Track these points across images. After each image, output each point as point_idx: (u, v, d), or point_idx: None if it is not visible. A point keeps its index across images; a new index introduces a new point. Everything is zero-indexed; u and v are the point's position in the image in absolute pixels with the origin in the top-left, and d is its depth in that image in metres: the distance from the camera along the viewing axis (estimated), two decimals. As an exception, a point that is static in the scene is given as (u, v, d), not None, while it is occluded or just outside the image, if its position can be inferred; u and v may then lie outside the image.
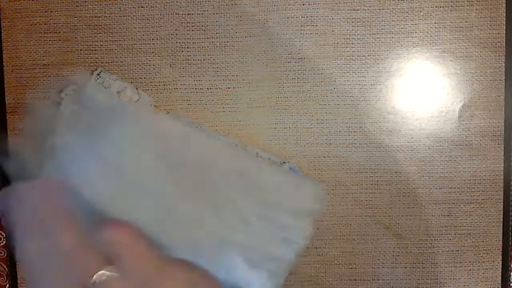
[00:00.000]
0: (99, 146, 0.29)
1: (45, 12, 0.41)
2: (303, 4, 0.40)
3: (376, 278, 0.41)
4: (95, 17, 0.41)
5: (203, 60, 0.41)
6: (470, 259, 0.41)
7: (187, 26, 0.41)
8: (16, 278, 0.42)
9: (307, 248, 0.41)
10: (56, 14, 0.41)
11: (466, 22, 0.40)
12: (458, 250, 0.41)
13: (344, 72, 0.41)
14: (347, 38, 0.41)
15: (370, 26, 0.40)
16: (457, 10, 0.40)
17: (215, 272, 0.29)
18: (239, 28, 0.41)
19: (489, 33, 0.40)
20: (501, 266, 0.41)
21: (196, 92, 0.41)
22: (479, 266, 0.41)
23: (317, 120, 0.41)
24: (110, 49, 0.41)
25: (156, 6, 0.41)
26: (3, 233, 0.43)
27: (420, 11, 0.40)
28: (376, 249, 0.41)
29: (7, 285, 0.43)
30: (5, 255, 0.43)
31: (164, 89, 0.41)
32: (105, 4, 0.41)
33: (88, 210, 0.28)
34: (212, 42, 0.41)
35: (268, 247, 0.30)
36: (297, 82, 0.41)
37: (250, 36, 0.41)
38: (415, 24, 0.40)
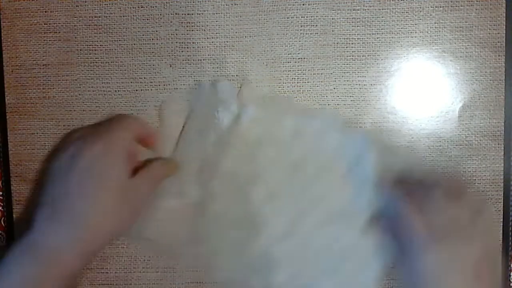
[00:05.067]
0: None
1: (45, 12, 0.41)
2: (303, 4, 0.40)
3: (376, 278, 0.41)
4: (95, 17, 0.41)
5: (203, 60, 0.41)
6: (470, 259, 0.41)
7: (187, 26, 0.41)
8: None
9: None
10: (56, 14, 0.41)
11: (466, 22, 0.40)
12: (458, 250, 0.41)
13: (344, 72, 0.41)
14: (347, 38, 0.40)
15: (370, 26, 0.40)
16: (457, 10, 0.40)
17: None
18: (239, 28, 0.41)
19: (489, 33, 0.40)
20: (501, 266, 0.41)
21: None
22: (479, 266, 0.41)
23: (317, 120, 0.41)
24: (110, 49, 0.41)
25: (155, 6, 0.41)
26: (2, 233, 0.43)
27: (420, 11, 0.40)
28: (376, 249, 0.41)
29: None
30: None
31: (164, 89, 0.41)
32: (105, 4, 0.41)
33: None
34: (212, 42, 0.41)
35: None
36: (297, 82, 0.41)
37: (250, 36, 0.41)
38: (415, 24, 0.40)
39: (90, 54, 0.41)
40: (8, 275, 0.33)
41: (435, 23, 0.40)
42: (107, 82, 0.41)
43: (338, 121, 0.41)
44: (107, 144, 0.35)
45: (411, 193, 0.36)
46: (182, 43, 0.41)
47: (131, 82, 0.41)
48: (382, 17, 0.40)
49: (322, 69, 0.41)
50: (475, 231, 0.34)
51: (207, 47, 0.41)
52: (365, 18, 0.40)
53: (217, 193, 0.40)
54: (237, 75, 0.41)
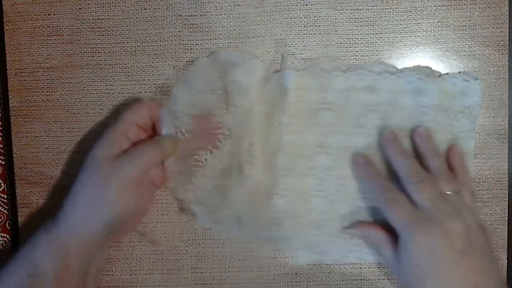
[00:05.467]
0: None
1: (48, 15, 0.41)
2: (306, 5, 0.40)
3: (382, 278, 0.41)
4: (98, 19, 0.41)
5: (207, 61, 0.41)
6: (476, 257, 0.41)
7: (190, 28, 0.41)
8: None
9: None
10: (59, 17, 0.41)
11: (469, 21, 0.40)
12: (463, 249, 0.41)
13: (348, 72, 0.41)
14: (350, 38, 0.40)
15: (373, 25, 0.40)
16: (460, 9, 0.40)
17: None
18: (242, 29, 0.41)
19: (493, 32, 0.40)
20: (506, 264, 0.41)
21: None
22: (484, 264, 0.41)
23: (321, 120, 0.41)
24: (113, 52, 0.41)
25: (159, 8, 0.41)
26: (8, 237, 0.43)
27: (423, 10, 0.40)
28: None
29: None
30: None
31: (168, 90, 0.41)
32: (107, 7, 0.41)
33: None
34: (215, 43, 0.41)
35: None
36: (301, 83, 0.41)
37: (253, 37, 0.41)
38: (418, 23, 0.40)
39: (93, 56, 0.41)
40: (37, 241, 0.35)
41: (438, 22, 0.40)
42: (110, 84, 0.41)
43: (388, 69, 0.40)
44: (107, 129, 0.37)
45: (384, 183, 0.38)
46: (185, 44, 0.41)
47: (134, 84, 0.41)
48: (385, 16, 0.40)
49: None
50: (460, 209, 0.35)
51: (210, 48, 0.41)
52: (368, 17, 0.40)
53: (286, 169, 0.40)
54: (240, 76, 0.41)
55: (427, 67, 0.40)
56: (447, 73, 0.40)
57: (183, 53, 0.41)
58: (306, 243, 0.40)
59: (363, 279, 0.41)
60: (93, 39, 0.41)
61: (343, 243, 0.40)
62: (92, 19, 0.41)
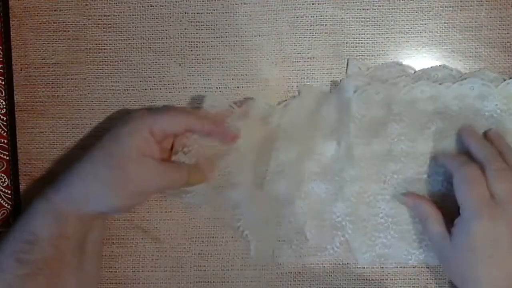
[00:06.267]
0: None
1: (54, 10, 0.41)
2: (313, 4, 0.40)
3: (385, 278, 0.41)
4: (104, 15, 0.41)
5: (212, 59, 0.41)
6: (479, 259, 0.41)
7: (196, 25, 0.41)
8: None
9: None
10: (65, 12, 0.41)
11: (475, 22, 0.40)
12: (466, 250, 0.41)
13: (354, 72, 0.41)
14: (356, 38, 0.40)
15: (379, 25, 0.40)
16: (466, 10, 0.40)
17: None
18: (248, 27, 0.41)
19: (499, 33, 0.40)
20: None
21: (205, 91, 0.41)
22: (487, 266, 0.41)
23: (326, 119, 0.41)
24: (119, 48, 0.41)
25: (165, 5, 0.41)
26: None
27: (430, 11, 0.40)
28: (384, 248, 0.41)
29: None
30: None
31: (173, 88, 0.41)
32: (114, 3, 0.41)
33: None
34: (221, 41, 0.41)
35: None
36: (306, 82, 0.41)
37: (259, 35, 0.41)
38: (425, 24, 0.40)
39: (99, 52, 0.41)
40: (35, 209, 0.35)
41: (444, 23, 0.40)
42: (116, 81, 0.41)
43: (452, 73, 0.40)
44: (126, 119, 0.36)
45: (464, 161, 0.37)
46: (191, 42, 0.41)
47: (140, 81, 0.41)
48: (392, 16, 0.40)
49: (331, 69, 0.41)
50: None
51: (216, 46, 0.41)
52: (374, 17, 0.40)
53: (357, 177, 0.40)
54: (246, 74, 0.41)
55: (492, 72, 0.40)
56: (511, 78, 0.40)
57: (189, 50, 0.41)
58: (368, 246, 0.40)
59: (366, 279, 0.41)
60: (99, 36, 0.41)
61: (405, 246, 0.40)
62: (98, 16, 0.41)
